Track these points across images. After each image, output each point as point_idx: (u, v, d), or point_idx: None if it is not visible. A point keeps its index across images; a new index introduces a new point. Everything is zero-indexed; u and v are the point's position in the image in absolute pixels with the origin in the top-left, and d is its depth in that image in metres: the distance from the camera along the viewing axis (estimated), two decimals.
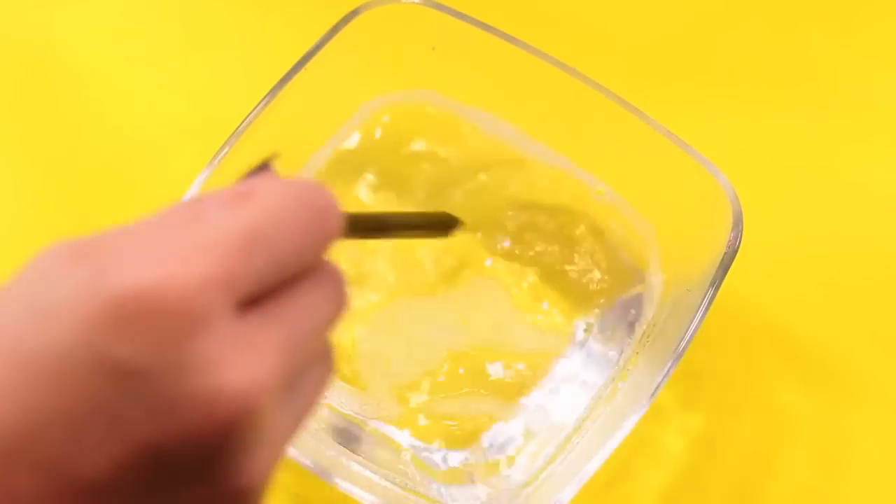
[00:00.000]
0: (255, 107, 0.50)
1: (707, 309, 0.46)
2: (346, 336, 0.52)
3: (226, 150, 0.49)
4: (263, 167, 0.31)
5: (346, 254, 0.54)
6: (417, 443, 0.50)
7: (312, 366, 0.29)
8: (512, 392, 0.51)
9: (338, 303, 0.29)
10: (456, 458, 0.50)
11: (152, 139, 0.60)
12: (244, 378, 0.25)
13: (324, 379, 0.29)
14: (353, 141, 0.56)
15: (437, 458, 0.50)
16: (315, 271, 0.29)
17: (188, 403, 0.25)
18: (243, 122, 0.50)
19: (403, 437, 0.50)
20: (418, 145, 0.56)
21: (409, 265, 0.54)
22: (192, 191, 0.49)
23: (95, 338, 0.25)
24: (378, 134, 0.56)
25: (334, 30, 0.51)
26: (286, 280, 0.28)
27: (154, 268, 0.25)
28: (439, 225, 0.42)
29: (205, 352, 0.25)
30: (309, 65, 0.51)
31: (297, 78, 0.51)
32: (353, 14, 0.52)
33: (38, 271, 0.27)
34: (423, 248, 0.54)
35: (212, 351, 0.25)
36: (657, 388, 0.44)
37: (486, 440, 0.50)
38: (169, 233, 0.26)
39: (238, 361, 0.25)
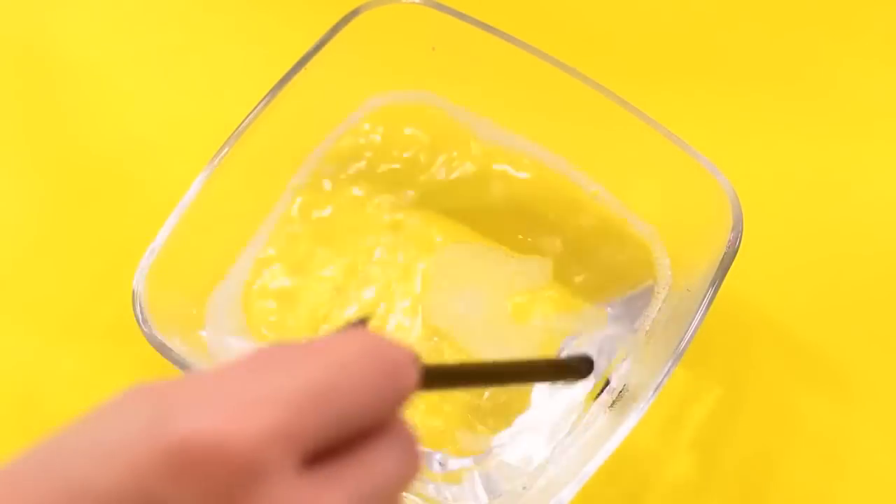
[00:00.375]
0: (255, 107, 0.50)
1: (707, 309, 0.46)
2: None
3: (226, 150, 0.50)
4: (360, 323, 0.30)
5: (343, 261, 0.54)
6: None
7: None
8: (512, 392, 0.51)
9: (409, 465, 0.28)
10: (455, 463, 0.50)
11: (152, 139, 0.60)
12: None
13: None
14: (352, 141, 0.56)
15: (435, 461, 0.50)
16: (386, 430, 0.28)
17: None
18: (243, 122, 0.50)
19: None
20: (418, 146, 0.56)
21: (403, 267, 0.54)
22: (192, 191, 0.49)
23: (148, 481, 0.25)
24: (377, 134, 0.56)
25: (334, 30, 0.52)
26: (355, 437, 0.27)
27: (215, 417, 0.25)
28: (550, 372, 0.40)
29: None
30: (309, 65, 0.51)
31: (297, 78, 0.51)
32: (353, 14, 0.52)
33: (111, 408, 0.27)
34: (423, 250, 0.54)
35: None
36: (657, 388, 0.44)
37: (486, 440, 0.50)
38: (237, 382, 0.26)
39: None
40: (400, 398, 0.28)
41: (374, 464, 0.27)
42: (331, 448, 0.26)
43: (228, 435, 0.25)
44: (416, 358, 0.28)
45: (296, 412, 0.25)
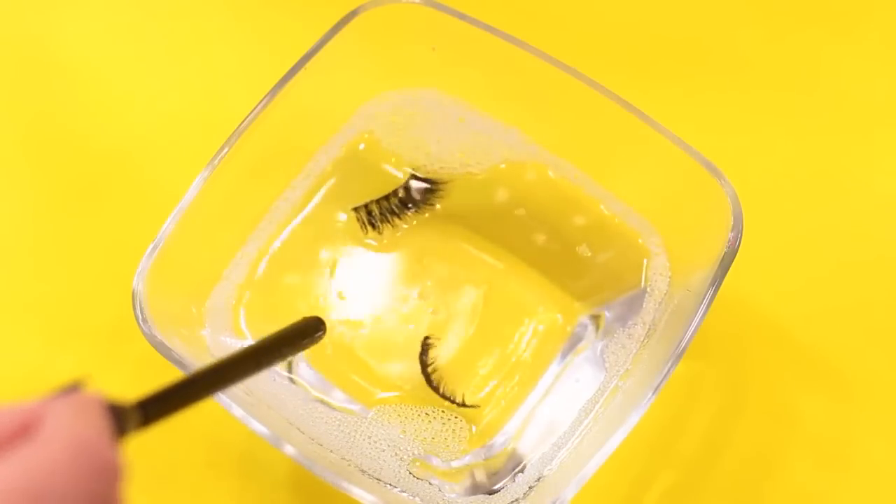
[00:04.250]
0: (255, 107, 0.50)
1: (707, 309, 0.46)
2: (350, 337, 0.52)
3: (226, 150, 0.50)
4: (73, 388, 0.30)
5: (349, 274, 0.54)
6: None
7: None
8: (512, 391, 0.51)
9: None
10: (457, 462, 0.50)
11: (152, 139, 0.60)
12: None
13: None
14: (352, 141, 0.56)
15: (437, 460, 0.50)
16: None
17: None
18: (243, 122, 0.50)
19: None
20: (418, 146, 0.56)
21: (403, 269, 0.54)
22: (192, 191, 0.49)
23: None
24: (377, 134, 0.56)
25: (334, 30, 0.52)
26: None
27: None
28: (301, 339, 0.41)
29: None
30: (309, 65, 0.51)
31: (297, 78, 0.51)
32: (353, 14, 0.52)
33: None
34: (423, 250, 0.54)
35: None
36: (657, 387, 0.44)
37: (486, 440, 0.50)
38: None
39: None
40: (113, 491, 0.28)
41: None
42: None
43: None
44: (118, 454, 0.28)
45: None
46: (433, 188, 0.54)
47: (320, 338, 0.44)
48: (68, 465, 0.27)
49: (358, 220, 0.54)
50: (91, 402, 0.29)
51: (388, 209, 0.54)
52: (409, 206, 0.54)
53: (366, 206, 0.54)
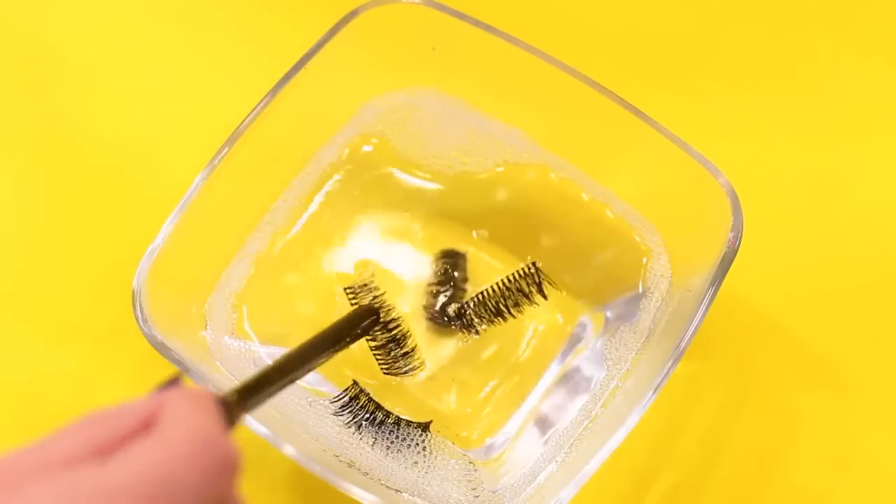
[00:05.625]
0: (255, 107, 0.50)
1: (707, 309, 0.46)
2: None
3: (226, 150, 0.50)
4: (173, 382, 0.31)
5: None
6: None
7: None
8: (512, 391, 0.51)
9: None
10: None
11: (152, 139, 0.60)
12: None
13: None
14: (352, 141, 0.56)
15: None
16: None
17: None
18: (243, 122, 0.50)
19: None
20: (418, 146, 0.56)
21: (403, 269, 0.54)
22: (191, 191, 0.49)
23: None
24: (377, 134, 0.56)
25: (334, 30, 0.52)
26: None
27: None
28: (359, 327, 0.45)
29: None
30: (309, 65, 0.51)
31: (297, 78, 0.51)
32: (353, 14, 0.52)
33: None
34: (421, 251, 0.54)
35: None
36: (657, 387, 0.44)
37: (486, 440, 0.50)
38: (71, 477, 0.27)
39: None
40: (230, 482, 0.29)
41: None
42: None
43: None
44: (235, 445, 0.29)
45: None
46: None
47: (375, 325, 0.47)
48: (189, 459, 0.28)
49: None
50: (203, 395, 0.30)
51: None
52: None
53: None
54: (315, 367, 0.42)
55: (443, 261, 0.53)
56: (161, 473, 0.27)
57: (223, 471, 0.29)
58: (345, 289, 0.51)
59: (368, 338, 0.50)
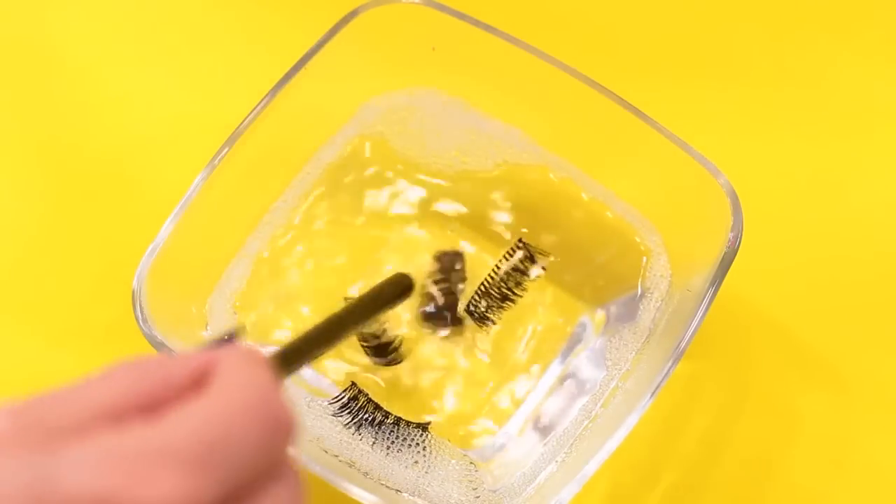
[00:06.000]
0: (255, 107, 0.50)
1: (707, 309, 0.46)
2: None
3: (226, 150, 0.50)
4: (227, 339, 0.31)
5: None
6: None
7: None
8: (512, 391, 0.51)
9: (299, 500, 0.28)
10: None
11: (152, 139, 0.60)
12: None
13: None
14: (352, 141, 0.56)
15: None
16: (275, 477, 0.28)
17: None
18: (243, 122, 0.50)
19: None
20: (418, 146, 0.56)
21: (403, 268, 0.54)
22: (191, 191, 0.49)
23: None
24: (377, 135, 0.56)
25: (334, 30, 0.51)
26: (248, 484, 0.27)
27: (110, 476, 0.24)
28: (394, 294, 0.46)
29: None
30: (309, 65, 0.51)
31: (297, 78, 0.51)
32: (353, 14, 0.52)
33: None
34: (424, 252, 0.54)
35: None
36: (657, 388, 0.44)
37: (486, 440, 0.50)
38: (121, 429, 0.25)
39: None
40: (284, 447, 0.28)
41: None
42: (224, 500, 0.26)
43: (128, 499, 0.24)
44: (290, 405, 0.28)
45: (191, 473, 0.25)
46: None
47: (410, 292, 0.48)
48: (246, 421, 0.27)
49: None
50: (259, 354, 0.29)
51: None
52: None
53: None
54: (351, 335, 0.42)
55: (441, 261, 0.53)
56: (216, 436, 0.26)
57: (280, 434, 0.27)
58: (345, 299, 0.51)
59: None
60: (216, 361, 0.28)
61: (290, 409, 0.28)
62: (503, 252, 0.53)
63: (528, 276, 0.52)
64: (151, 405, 0.27)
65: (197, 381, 0.27)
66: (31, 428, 0.25)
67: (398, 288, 0.47)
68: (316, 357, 0.36)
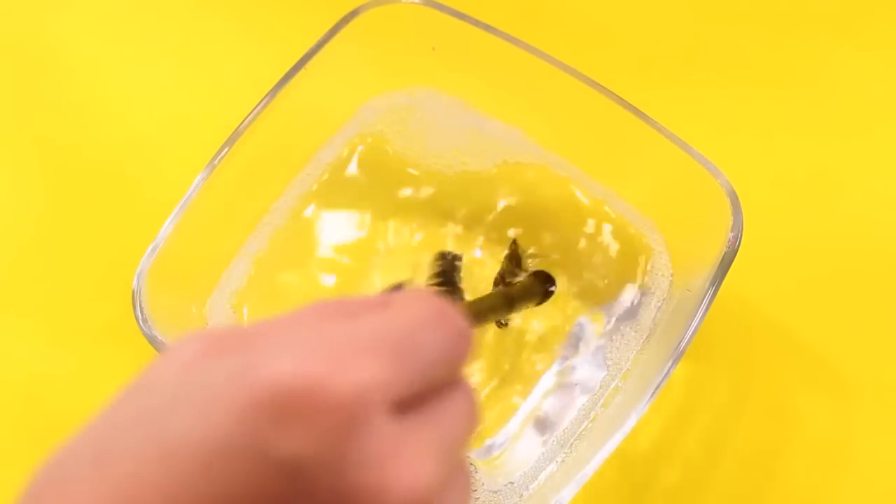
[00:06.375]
0: (255, 107, 0.50)
1: (707, 309, 0.46)
2: None
3: (226, 150, 0.50)
4: (398, 287, 0.33)
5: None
6: None
7: (458, 476, 0.29)
8: (512, 391, 0.51)
9: (473, 417, 0.30)
10: None
11: (152, 139, 0.60)
12: (412, 478, 0.26)
13: (465, 493, 0.29)
14: (352, 141, 0.56)
15: None
16: (454, 387, 0.29)
17: (358, 498, 0.25)
18: (243, 122, 0.50)
19: None
20: (418, 146, 0.56)
21: (408, 267, 0.54)
22: (191, 191, 0.49)
23: (253, 429, 0.25)
24: (377, 135, 0.56)
25: (334, 30, 0.52)
26: (431, 389, 0.28)
27: (312, 363, 0.25)
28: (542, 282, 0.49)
29: (370, 450, 0.25)
30: (309, 65, 0.51)
31: (297, 78, 0.51)
32: (353, 14, 0.52)
33: (178, 363, 0.27)
34: (424, 252, 0.54)
35: (377, 449, 0.25)
36: (657, 388, 0.44)
37: (486, 441, 0.50)
38: (318, 328, 0.27)
39: (403, 462, 0.26)
40: (464, 358, 0.29)
41: (452, 413, 0.29)
42: (411, 397, 0.27)
43: (331, 380, 0.25)
44: (468, 321, 0.30)
45: (386, 360, 0.26)
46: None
47: (552, 293, 0.50)
48: (432, 322, 0.28)
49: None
50: (440, 299, 0.30)
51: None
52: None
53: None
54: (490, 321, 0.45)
55: (440, 261, 0.53)
56: (409, 334, 0.27)
57: (461, 343, 0.29)
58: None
59: None
60: (395, 297, 0.30)
61: (467, 322, 0.30)
62: (502, 252, 0.53)
63: (517, 276, 0.52)
64: (347, 314, 0.28)
65: (385, 305, 0.29)
66: (223, 339, 0.27)
67: (542, 286, 0.49)
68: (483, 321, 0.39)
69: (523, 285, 0.48)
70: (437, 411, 0.28)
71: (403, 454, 0.26)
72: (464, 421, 0.29)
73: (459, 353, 0.29)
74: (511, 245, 0.53)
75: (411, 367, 0.27)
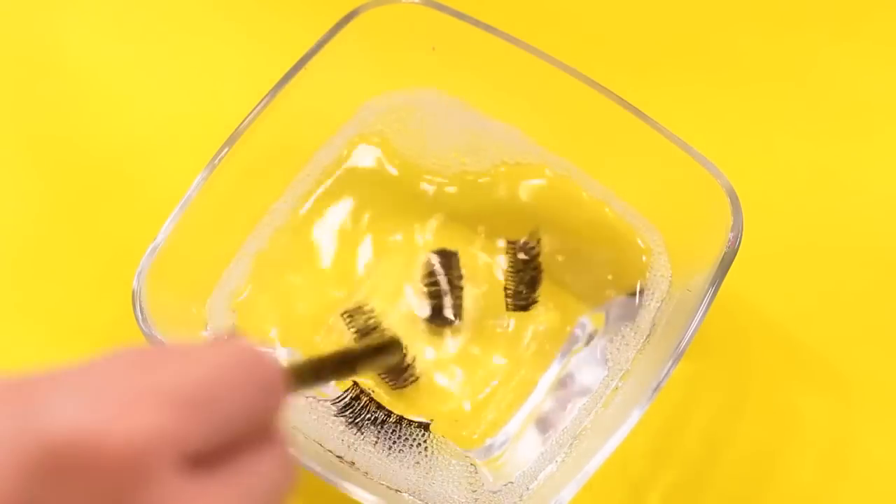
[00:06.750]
0: (255, 107, 0.50)
1: (707, 309, 0.46)
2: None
3: (226, 150, 0.50)
4: (230, 335, 0.31)
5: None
6: None
7: None
8: (512, 391, 0.51)
9: (286, 472, 0.28)
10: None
11: (152, 139, 0.60)
12: None
13: None
14: (352, 141, 0.56)
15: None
16: (262, 438, 0.28)
17: None
18: (243, 122, 0.50)
19: None
20: (418, 146, 0.56)
21: (404, 270, 0.54)
22: (191, 191, 0.49)
23: (26, 489, 0.23)
24: (377, 135, 0.56)
25: (334, 30, 0.52)
26: (233, 443, 0.27)
27: (92, 413, 0.24)
28: (387, 350, 0.46)
29: None
30: (309, 65, 0.51)
31: (297, 78, 0.51)
32: (353, 14, 0.52)
33: None
34: (424, 252, 0.54)
35: None
36: (657, 387, 0.44)
37: (486, 441, 0.50)
38: (110, 377, 0.25)
39: None
40: (273, 407, 0.28)
41: (251, 474, 0.27)
42: (208, 454, 0.26)
43: (109, 433, 0.23)
44: (283, 368, 0.28)
45: (176, 412, 0.25)
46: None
47: (399, 356, 0.48)
48: (236, 369, 0.27)
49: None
50: (250, 346, 0.29)
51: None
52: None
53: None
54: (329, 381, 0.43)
55: (435, 261, 0.53)
56: (205, 381, 0.26)
57: (269, 394, 0.27)
58: (342, 314, 0.51)
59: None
60: (203, 346, 0.28)
61: (281, 374, 0.28)
62: (502, 252, 0.53)
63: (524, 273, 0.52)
64: (146, 364, 0.27)
65: (187, 354, 0.27)
66: (6, 385, 0.25)
67: (389, 349, 0.47)
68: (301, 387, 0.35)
69: (367, 350, 0.46)
70: (239, 468, 0.26)
71: None
72: (272, 479, 0.27)
73: (267, 408, 0.27)
74: (508, 248, 0.53)
75: (206, 420, 0.25)
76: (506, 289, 0.53)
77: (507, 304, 0.53)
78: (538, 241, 0.53)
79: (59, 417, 0.24)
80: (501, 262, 0.54)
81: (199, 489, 0.25)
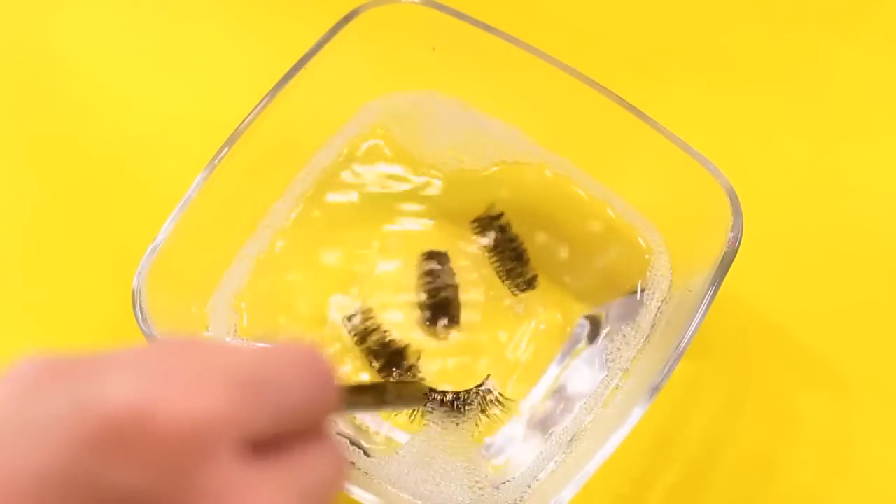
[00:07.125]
0: (255, 107, 0.50)
1: (707, 309, 0.46)
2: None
3: (226, 150, 0.50)
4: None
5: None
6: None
7: None
8: (512, 392, 0.51)
9: (339, 470, 0.28)
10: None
11: (152, 139, 0.60)
12: None
13: None
14: (353, 141, 0.56)
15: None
16: (315, 436, 0.28)
17: None
18: (243, 122, 0.50)
19: (405, 438, 0.50)
20: (418, 146, 0.56)
21: (404, 270, 0.54)
22: (191, 191, 0.49)
23: (86, 460, 0.23)
24: (377, 135, 0.56)
25: (334, 30, 0.52)
26: (288, 436, 0.27)
27: (157, 389, 0.24)
28: (418, 401, 0.47)
29: (212, 488, 0.24)
30: (309, 65, 0.51)
31: (296, 78, 0.51)
32: (353, 14, 0.52)
33: (16, 387, 0.25)
34: (419, 252, 0.54)
35: (220, 488, 0.24)
36: (657, 388, 0.44)
37: (486, 440, 0.50)
38: (168, 358, 0.25)
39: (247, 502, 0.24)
40: (328, 407, 0.28)
41: (307, 463, 0.27)
42: (265, 442, 0.26)
43: (173, 409, 0.23)
44: (337, 374, 0.29)
45: (240, 394, 0.25)
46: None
47: (420, 403, 0.48)
48: (295, 365, 0.27)
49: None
50: (311, 347, 0.29)
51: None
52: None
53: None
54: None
55: (430, 261, 0.53)
56: (264, 369, 0.26)
57: (324, 393, 0.28)
58: (342, 317, 0.51)
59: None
60: (268, 345, 0.29)
61: (336, 375, 0.28)
62: (502, 252, 0.53)
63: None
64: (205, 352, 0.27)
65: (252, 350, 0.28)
66: (62, 363, 0.25)
67: (414, 393, 0.47)
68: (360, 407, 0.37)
69: (401, 392, 0.46)
70: (294, 459, 0.26)
71: (249, 496, 0.24)
72: (325, 474, 0.27)
73: (322, 405, 0.28)
74: (474, 229, 0.53)
75: (268, 406, 0.25)
76: (498, 274, 0.53)
77: (510, 290, 0.53)
78: (501, 214, 0.53)
79: (120, 392, 0.24)
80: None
81: (256, 475, 0.25)
